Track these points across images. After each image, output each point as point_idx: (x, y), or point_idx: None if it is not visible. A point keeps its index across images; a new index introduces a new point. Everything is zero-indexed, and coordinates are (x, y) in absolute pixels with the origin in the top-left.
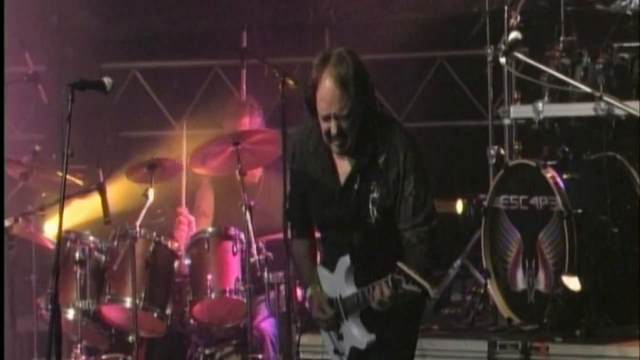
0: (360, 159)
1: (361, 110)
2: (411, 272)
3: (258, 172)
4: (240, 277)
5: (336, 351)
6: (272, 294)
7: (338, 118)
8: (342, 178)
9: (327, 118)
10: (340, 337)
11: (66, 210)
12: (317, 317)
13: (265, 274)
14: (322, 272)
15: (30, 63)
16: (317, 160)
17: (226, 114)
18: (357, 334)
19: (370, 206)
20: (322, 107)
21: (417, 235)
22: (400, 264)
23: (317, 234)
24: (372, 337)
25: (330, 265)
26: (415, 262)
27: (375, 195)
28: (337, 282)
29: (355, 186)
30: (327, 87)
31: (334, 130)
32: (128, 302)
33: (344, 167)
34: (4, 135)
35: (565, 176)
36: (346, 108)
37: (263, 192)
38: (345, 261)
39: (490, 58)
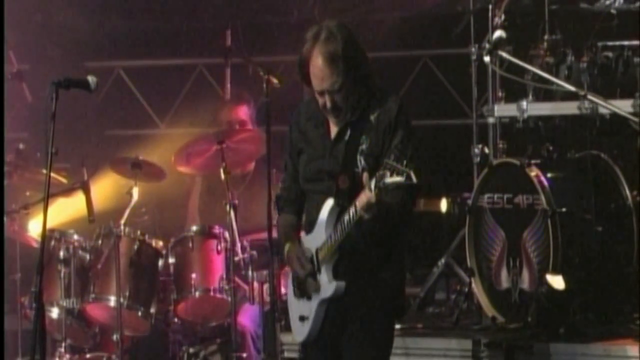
0: (352, 114)
1: (355, 82)
2: (392, 162)
3: (250, 166)
4: (224, 275)
5: (301, 318)
6: (256, 293)
7: (331, 93)
8: (334, 133)
9: (321, 93)
10: (309, 298)
11: (50, 209)
12: (295, 271)
13: (250, 272)
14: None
15: (15, 61)
16: (313, 121)
17: (221, 104)
18: (325, 282)
19: (358, 156)
20: (315, 83)
21: (396, 183)
22: (385, 159)
23: (305, 188)
24: (341, 284)
25: (310, 226)
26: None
27: (364, 146)
28: (315, 235)
29: (346, 138)
30: (317, 64)
31: (328, 104)
32: (112, 300)
33: (337, 124)
34: (4, 135)
35: (549, 175)
36: (337, 83)
37: (248, 189)
38: (329, 203)
39: (474, 57)
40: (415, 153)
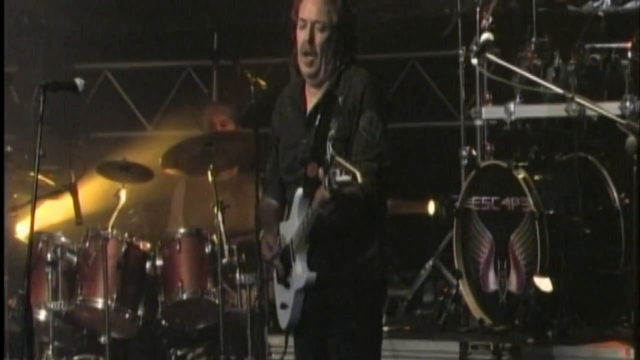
0: (323, 95)
1: (342, 36)
2: (342, 160)
3: (230, 171)
4: (212, 278)
5: (282, 305)
6: (244, 295)
7: (314, 26)
8: (308, 112)
9: (304, 26)
10: (287, 286)
11: (38, 211)
12: (263, 255)
13: (237, 275)
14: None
15: None
16: (293, 100)
17: (206, 105)
18: (299, 272)
19: (328, 142)
20: (303, 12)
21: (365, 167)
22: (336, 157)
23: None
24: (312, 275)
25: (287, 214)
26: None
27: (333, 132)
28: (290, 223)
29: (316, 123)
30: None
31: (306, 36)
32: (100, 303)
33: (311, 103)
34: (4, 135)
35: (536, 177)
36: (327, 17)
37: (234, 192)
38: (299, 192)
39: (462, 59)
40: (384, 134)
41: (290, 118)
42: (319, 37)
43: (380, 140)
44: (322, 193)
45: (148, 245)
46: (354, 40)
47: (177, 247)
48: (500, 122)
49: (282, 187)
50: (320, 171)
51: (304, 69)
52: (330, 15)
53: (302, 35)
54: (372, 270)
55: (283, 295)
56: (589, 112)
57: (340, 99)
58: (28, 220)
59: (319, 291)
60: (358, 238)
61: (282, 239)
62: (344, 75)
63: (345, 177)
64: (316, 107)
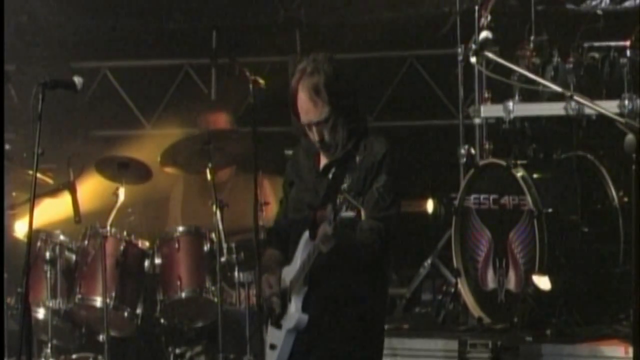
0: (342, 156)
1: (342, 115)
2: (349, 197)
3: (228, 170)
4: (210, 276)
5: (272, 346)
6: (243, 294)
7: (317, 125)
8: (322, 166)
9: (308, 126)
10: (279, 327)
11: (36, 210)
12: (263, 291)
13: (236, 273)
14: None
15: None
16: (308, 152)
17: (202, 109)
18: (292, 311)
19: (339, 195)
20: (301, 116)
21: (370, 225)
22: (344, 192)
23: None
24: (304, 316)
25: (291, 256)
26: (359, 238)
27: (345, 186)
28: (292, 266)
29: (330, 175)
30: (302, 98)
31: (316, 137)
32: (98, 301)
33: (325, 160)
34: (4, 135)
35: (535, 176)
36: (323, 114)
37: (231, 191)
38: (305, 236)
39: (460, 57)
40: (395, 201)
41: (304, 168)
42: (327, 131)
43: (390, 205)
44: (325, 228)
45: (147, 244)
46: (357, 108)
47: (176, 245)
48: (499, 120)
49: (286, 239)
50: (328, 208)
51: (324, 155)
52: (324, 108)
53: (311, 136)
54: (364, 320)
55: (274, 336)
56: (587, 111)
57: (358, 158)
58: (27, 218)
59: (309, 335)
60: (354, 288)
61: (283, 282)
62: (364, 141)
63: (350, 213)
64: (331, 163)
